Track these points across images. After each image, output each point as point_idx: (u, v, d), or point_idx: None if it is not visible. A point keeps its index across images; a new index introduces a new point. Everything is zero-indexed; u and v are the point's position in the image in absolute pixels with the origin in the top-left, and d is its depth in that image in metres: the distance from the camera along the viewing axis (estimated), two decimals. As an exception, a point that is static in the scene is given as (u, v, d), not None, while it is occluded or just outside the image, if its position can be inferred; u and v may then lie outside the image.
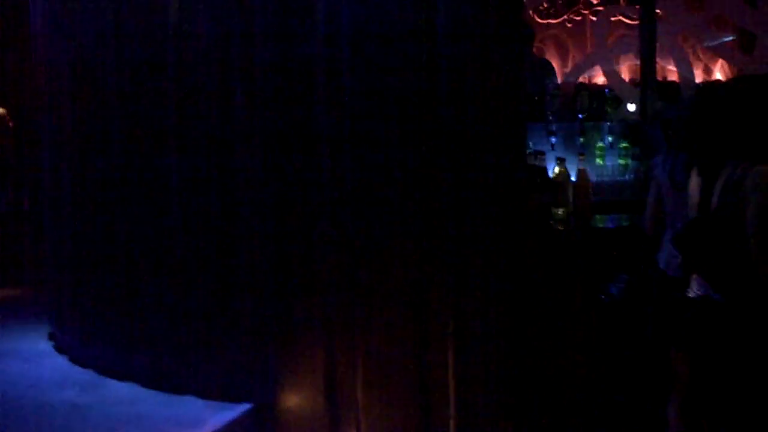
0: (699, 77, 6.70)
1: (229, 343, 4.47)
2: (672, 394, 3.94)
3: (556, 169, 4.84)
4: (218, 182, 4.47)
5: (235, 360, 4.46)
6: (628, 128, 6.23)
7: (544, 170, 4.86)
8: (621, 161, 6.18)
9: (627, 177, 6.13)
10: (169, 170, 4.62)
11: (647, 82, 6.08)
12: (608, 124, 6.31)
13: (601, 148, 6.21)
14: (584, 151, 5.78)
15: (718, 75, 6.90)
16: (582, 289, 4.39)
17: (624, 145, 6.19)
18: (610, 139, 6.26)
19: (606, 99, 6.42)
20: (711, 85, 4.14)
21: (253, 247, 4.39)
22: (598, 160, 6.19)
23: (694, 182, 3.39)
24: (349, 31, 4.18)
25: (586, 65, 6.34)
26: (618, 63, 6.70)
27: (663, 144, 6.01)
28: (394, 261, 4.20)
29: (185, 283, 4.57)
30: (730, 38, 6.68)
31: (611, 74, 6.29)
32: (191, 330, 4.57)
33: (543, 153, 4.92)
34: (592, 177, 5.56)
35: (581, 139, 6.16)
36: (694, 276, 3.34)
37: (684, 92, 6.29)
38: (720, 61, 6.90)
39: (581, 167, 4.73)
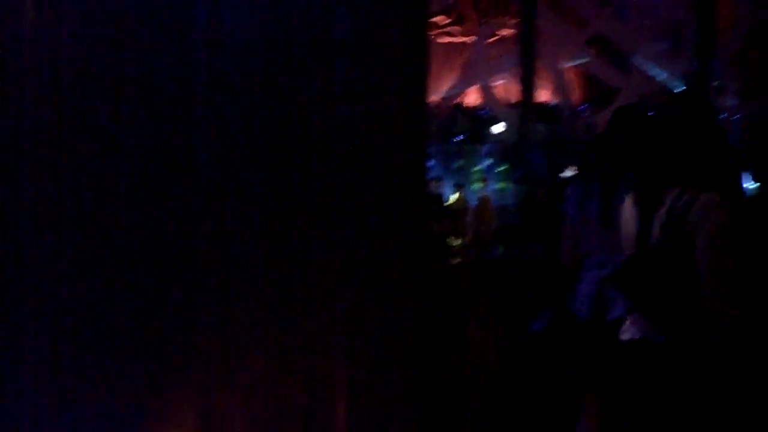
0: (545, 97, 6.52)
1: (81, 388, 3.98)
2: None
3: (454, 196, 4.50)
4: (76, 211, 3.99)
5: (91, 407, 3.97)
6: (506, 150, 5.97)
7: (440, 197, 4.50)
8: (500, 185, 5.88)
9: (507, 202, 5.85)
10: (25, 197, 4.09)
11: (526, 102, 5.85)
12: (486, 146, 6.04)
13: (479, 172, 5.91)
14: (464, 176, 5.48)
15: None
16: (486, 328, 4.10)
17: (503, 167, 5.91)
18: (488, 161, 5.98)
19: (482, 120, 6.16)
20: (633, 108, 3.89)
21: (117, 279, 3.93)
22: (476, 185, 5.88)
23: (627, 214, 3.08)
24: (230, 42, 3.74)
25: (462, 85, 6.07)
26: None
27: (544, 167, 5.78)
28: (275, 297, 3.82)
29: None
30: (587, 59, 6.57)
31: (488, 94, 6.05)
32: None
33: (441, 178, 4.57)
34: (473, 202, 5.24)
35: (459, 163, 5.86)
36: (629, 317, 3.04)
37: (564, 113, 6.11)
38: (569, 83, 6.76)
39: (484, 194, 4.40)
